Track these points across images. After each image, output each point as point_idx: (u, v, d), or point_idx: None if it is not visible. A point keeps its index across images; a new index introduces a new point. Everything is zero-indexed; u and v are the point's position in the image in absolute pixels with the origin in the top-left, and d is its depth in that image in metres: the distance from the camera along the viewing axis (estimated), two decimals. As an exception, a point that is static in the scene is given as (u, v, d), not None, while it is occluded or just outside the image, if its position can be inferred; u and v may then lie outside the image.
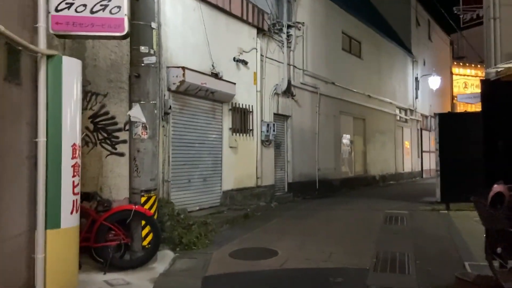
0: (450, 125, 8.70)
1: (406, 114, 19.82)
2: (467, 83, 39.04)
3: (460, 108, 36.81)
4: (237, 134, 9.13)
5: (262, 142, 10.04)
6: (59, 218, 3.59)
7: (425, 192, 12.89)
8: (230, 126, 8.91)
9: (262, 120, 10.04)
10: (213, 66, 8.20)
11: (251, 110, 9.60)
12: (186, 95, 7.56)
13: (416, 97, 20.91)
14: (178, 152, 7.43)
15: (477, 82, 42.29)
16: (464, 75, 37.00)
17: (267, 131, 10.00)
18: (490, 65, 9.84)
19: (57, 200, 3.57)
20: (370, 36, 16.40)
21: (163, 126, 6.82)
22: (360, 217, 8.50)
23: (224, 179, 8.72)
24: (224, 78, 8.42)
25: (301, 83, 11.83)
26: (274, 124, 10.25)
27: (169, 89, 7.06)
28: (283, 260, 5.17)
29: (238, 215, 8.01)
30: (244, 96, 9.37)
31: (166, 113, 6.82)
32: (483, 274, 4.15)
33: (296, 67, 11.56)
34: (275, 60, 10.78)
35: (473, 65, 40.27)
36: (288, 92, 11.16)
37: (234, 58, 9.05)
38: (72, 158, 3.68)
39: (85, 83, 5.41)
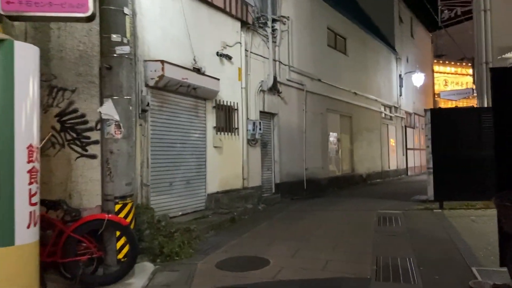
0: (443, 120, 8.39)
1: (391, 112, 19.63)
2: (447, 81, 39.49)
3: (442, 106, 37.14)
4: (222, 133, 8.62)
5: (248, 141, 9.55)
6: (12, 233, 3.01)
7: (414, 190, 12.63)
8: (214, 125, 8.38)
9: (247, 118, 9.54)
10: (194, 60, 7.65)
11: (236, 107, 9.09)
12: (166, 91, 7.00)
13: (400, 95, 20.77)
14: (158, 153, 6.86)
15: (457, 79, 42.97)
16: (444, 72, 37.42)
17: (253, 129, 9.51)
18: (482, 58, 9.65)
19: (9, 212, 2.99)
20: (355, 32, 16.10)
21: (141, 125, 6.25)
22: (352, 218, 8.09)
23: (208, 181, 8.19)
24: (207, 73, 7.89)
25: (287, 80, 11.39)
26: (260, 123, 9.76)
27: (147, 85, 6.49)
28: (276, 270, 4.68)
29: (224, 219, 7.50)
30: (229, 93, 8.85)
31: (144, 111, 6.25)
32: (498, 282, 3.77)
33: (281, 63, 11.11)
34: (260, 56, 10.30)
35: (453, 63, 40.82)
36: (274, 89, 10.69)
37: (217, 53, 8.52)
38: (28, 161, 3.11)
39: (50, 77, 4.83)
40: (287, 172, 11.25)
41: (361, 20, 16.88)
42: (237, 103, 9.13)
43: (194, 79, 7.34)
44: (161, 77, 6.48)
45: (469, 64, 44.75)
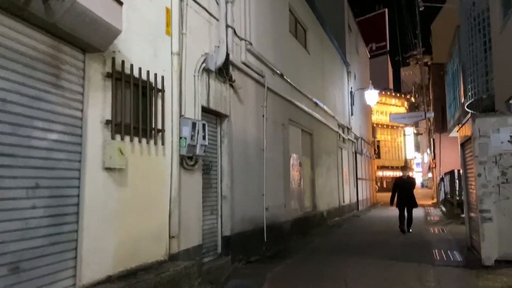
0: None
1: (343, 133, 16.24)
2: (373, 109, 38.98)
3: (379, 135, 35.88)
4: (127, 138, 3.78)
5: (182, 159, 4.81)
6: None
7: (411, 240, 8.90)
8: (109, 117, 3.54)
9: (182, 115, 4.84)
10: None
11: (160, 87, 4.34)
12: None
13: (352, 114, 17.67)
14: None
15: (381, 108, 42.87)
16: (370, 101, 36.54)
17: (192, 137, 4.82)
18: None
19: None
20: (315, 26, 12.49)
21: None
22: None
23: (85, 253, 3.24)
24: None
25: (243, 63, 6.96)
26: (205, 126, 5.11)
27: None
28: None
29: None
30: (145, 54, 4.12)
31: None
32: None
33: (236, 34, 6.69)
34: (206, 10, 5.78)
35: (378, 92, 40.46)
36: (225, 72, 6.19)
37: (121, -43, 3.80)
38: None
39: None
40: (241, 215, 6.63)
41: (318, 16, 13.35)
42: (162, 79, 4.39)
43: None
44: None
45: (392, 94, 45.08)
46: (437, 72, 19.02)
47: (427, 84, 24.06)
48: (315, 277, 5.62)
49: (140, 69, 3.98)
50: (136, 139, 3.89)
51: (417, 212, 16.10)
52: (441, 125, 19.15)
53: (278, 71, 8.62)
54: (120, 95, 3.71)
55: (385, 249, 7.71)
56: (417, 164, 58.36)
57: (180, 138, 4.75)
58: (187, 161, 4.94)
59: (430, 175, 62.31)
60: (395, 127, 40.48)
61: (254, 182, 7.22)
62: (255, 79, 7.45)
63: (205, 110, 5.73)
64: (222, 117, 6.32)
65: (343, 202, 15.21)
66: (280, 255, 7.21)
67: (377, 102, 40.98)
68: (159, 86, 4.29)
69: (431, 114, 19.26)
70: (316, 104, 11.83)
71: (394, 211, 17.48)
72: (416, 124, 38.93)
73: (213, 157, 6.12)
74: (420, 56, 35.49)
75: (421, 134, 36.03)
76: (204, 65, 5.58)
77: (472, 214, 7.01)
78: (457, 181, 13.31)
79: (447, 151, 18.51)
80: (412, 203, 10.06)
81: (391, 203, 10.31)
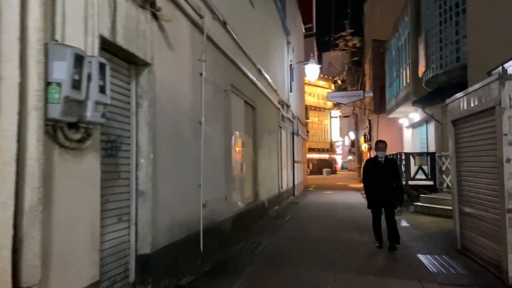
0: None
1: (283, 110, 14.45)
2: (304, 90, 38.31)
3: (310, 116, 35.07)
4: None
5: (55, 128, 2.38)
6: None
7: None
8: None
9: (55, 40, 2.39)
10: None
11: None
12: None
13: (291, 91, 15.97)
14: None
15: (309, 90, 42.37)
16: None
17: (77, 84, 2.40)
18: None
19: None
20: (259, -23, 10.30)
21: None
22: None
23: None
24: None
25: (175, -11, 4.57)
26: (104, 66, 2.70)
27: None
28: None
29: None
30: None
31: None
32: None
33: None
34: None
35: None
36: (145, -10, 3.77)
37: None
38: None
39: None
40: (169, 220, 4.36)
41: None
42: None
43: None
44: None
45: (321, 76, 44.97)
46: (377, 49, 18.11)
47: (363, 63, 23.42)
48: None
49: None
50: None
51: (356, 198, 15.12)
52: (379, 106, 18.37)
53: (220, 16, 6.31)
54: None
55: (361, 255, 5.99)
56: (338, 146, 60.11)
57: (49, 84, 2.32)
58: (66, 132, 2.52)
59: (350, 157, 64.73)
60: (322, 109, 40.34)
61: (188, 168, 4.95)
62: (190, 17, 5.09)
63: (109, 48, 3.31)
64: (139, 65, 3.92)
65: (282, 188, 13.53)
66: (223, 270, 5.12)
67: (305, 84, 40.55)
68: None
69: (369, 94, 18.39)
70: (260, 72, 9.75)
71: (330, 196, 16.43)
72: (339, 107, 39.09)
73: (123, 129, 3.74)
74: (349, 37, 35.20)
75: (348, 116, 36.11)
76: (106, -36, 3.11)
77: (468, 209, 5.57)
78: (403, 165, 12.33)
79: (384, 133, 17.87)
80: (394, 202, 6.27)
81: (368, 201, 6.40)
